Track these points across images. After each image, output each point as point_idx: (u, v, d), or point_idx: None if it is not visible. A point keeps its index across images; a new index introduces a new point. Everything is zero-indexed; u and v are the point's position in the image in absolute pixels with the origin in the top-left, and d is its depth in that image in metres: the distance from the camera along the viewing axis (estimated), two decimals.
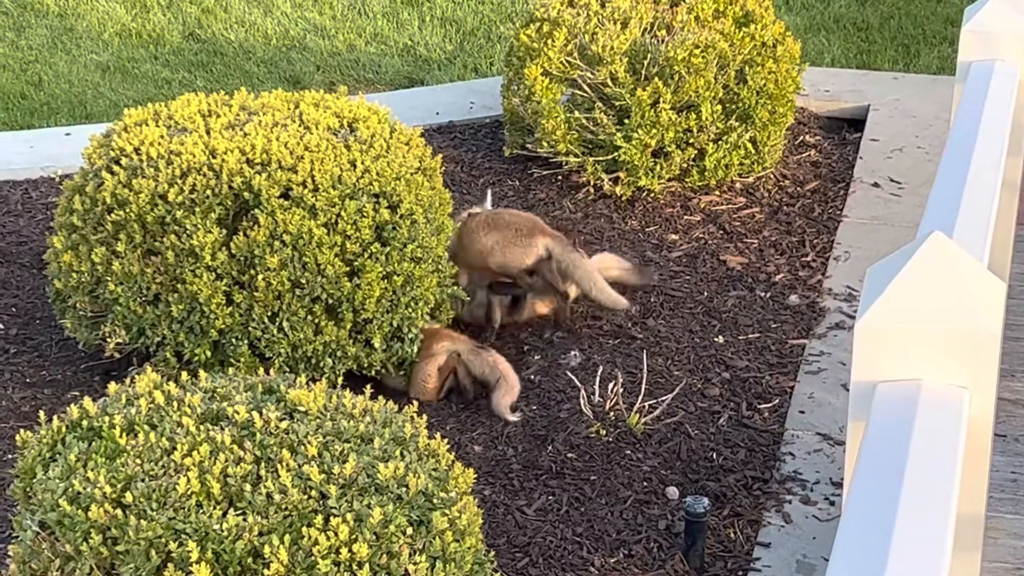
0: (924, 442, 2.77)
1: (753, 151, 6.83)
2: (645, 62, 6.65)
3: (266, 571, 3.26)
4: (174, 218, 4.91)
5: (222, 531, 3.31)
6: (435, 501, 3.52)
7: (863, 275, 3.21)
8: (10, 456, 4.80)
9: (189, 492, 3.39)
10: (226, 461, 3.47)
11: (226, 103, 5.43)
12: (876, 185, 6.94)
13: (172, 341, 5.00)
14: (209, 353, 4.99)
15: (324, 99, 5.48)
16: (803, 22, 9.60)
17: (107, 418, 3.68)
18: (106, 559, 3.35)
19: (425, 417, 3.92)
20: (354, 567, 3.30)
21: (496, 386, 5.12)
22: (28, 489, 3.61)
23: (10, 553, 3.55)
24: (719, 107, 6.71)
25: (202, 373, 3.97)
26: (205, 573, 3.24)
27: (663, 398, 5.10)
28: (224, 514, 3.37)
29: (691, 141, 6.72)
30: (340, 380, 4.85)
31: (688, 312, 5.79)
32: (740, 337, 5.62)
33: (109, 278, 5.00)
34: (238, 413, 3.65)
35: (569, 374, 5.28)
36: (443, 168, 5.54)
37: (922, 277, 2.92)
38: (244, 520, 3.34)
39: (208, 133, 5.15)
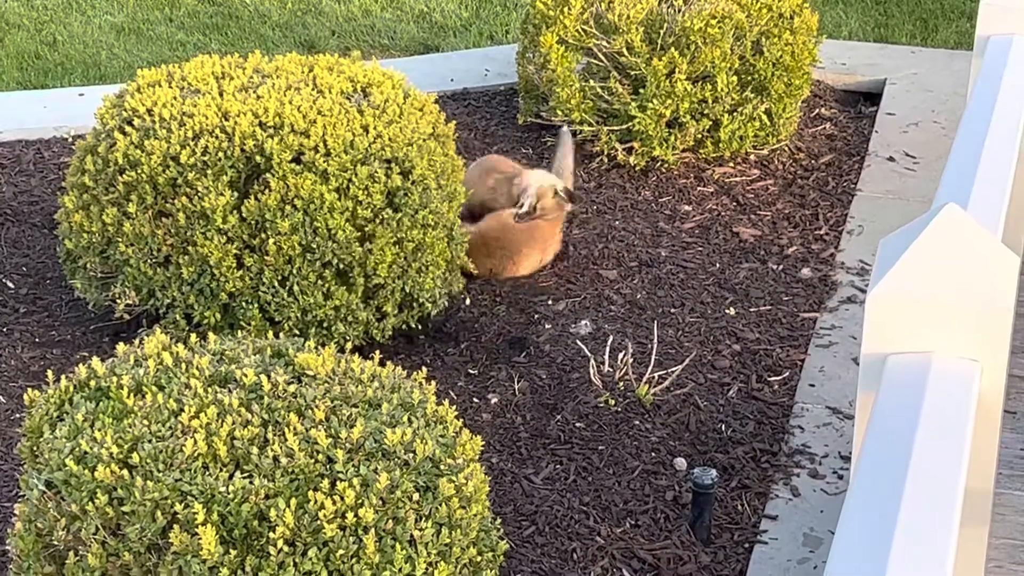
0: (934, 415, 2.76)
1: (768, 123, 6.79)
2: (661, 32, 6.62)
3: (272, 534, 3.26)
4: (186, 180, 4.90)
5: (228, 493, 3.31)
6: (442, 467, 3.51)
7: (876, 249, 3.19)
8: (18, 415, 4.81)
9: (196, 454, 3.39)
10: (233, 424, 3.47)
11: (240, 66, 5.41)
12: (891, 159, 6.91)
13: (182, 303, 5.00)
14: (219, 316, 4.99)
15: (338, 63, 5.45)
16: None
17: (115, 378, 3.67)
18: (112, 519, 3.35)
19: (434, 384, 3.91)
20: (360, 532, 3.30)
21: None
22: (35, 448, 3.61)
23: (16, 512, 3.56)
24: (735, 78, 6.67)
25: (211, 336, 3.97)
26: (211, 535, 3.23)
27: (673, 369, 5.09)
28: (231, 476, 3.36)
29: (706, 112, 6.69)
30: (350, 345, 4.84)
31: (699, 283, 5.78)
32: (751, 309, 5.60)
33: (120, 239, 4.99)
34: (246, 376, 3.64)
35: (579, 343, 5.27)
36: (456, 135, 5.52)
37: (935, 249, 2.91)
38: (251, 483, 3.34)
39: (221, 95, 5.13)
